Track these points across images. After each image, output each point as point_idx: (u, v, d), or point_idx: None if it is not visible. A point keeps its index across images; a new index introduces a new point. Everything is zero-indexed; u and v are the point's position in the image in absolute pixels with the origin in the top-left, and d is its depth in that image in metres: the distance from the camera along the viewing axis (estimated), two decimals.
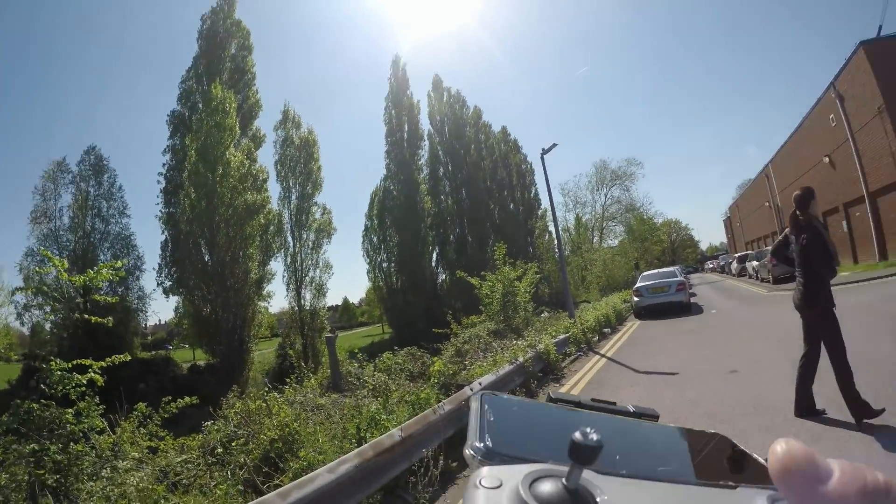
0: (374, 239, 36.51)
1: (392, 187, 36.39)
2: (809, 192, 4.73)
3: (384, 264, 36.23)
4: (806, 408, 4.74)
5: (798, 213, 4.71)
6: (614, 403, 0.99)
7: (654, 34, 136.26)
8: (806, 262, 4.63)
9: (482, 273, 16.61)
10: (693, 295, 20.74)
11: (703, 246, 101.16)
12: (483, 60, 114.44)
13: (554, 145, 17.16)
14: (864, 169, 20.74)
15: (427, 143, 38.29)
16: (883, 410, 4.29)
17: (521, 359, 7.89)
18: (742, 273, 31.17)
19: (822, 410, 4.71)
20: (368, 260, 36.60)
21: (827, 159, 24.08)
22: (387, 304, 36.61)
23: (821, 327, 4.61)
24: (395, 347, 10.39)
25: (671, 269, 20.42)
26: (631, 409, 0.98)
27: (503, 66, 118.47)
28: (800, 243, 4.64)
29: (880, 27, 19.92)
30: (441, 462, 4.38)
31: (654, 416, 0.98)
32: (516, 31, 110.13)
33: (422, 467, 4.27)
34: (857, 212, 22.36)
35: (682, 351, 9.68)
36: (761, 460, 0.80)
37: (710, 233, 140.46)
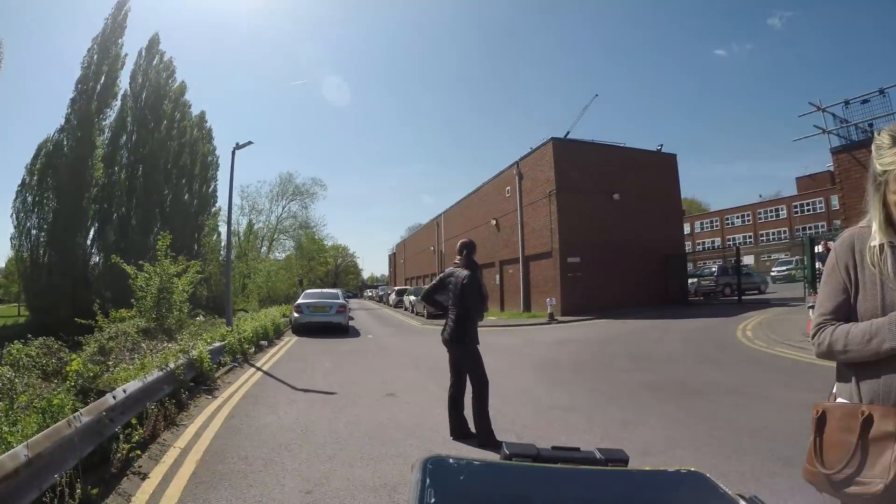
0: (30, 199, 28.94)
1: (66, 143, 29.57)
2: (473, 242, 5.50)
3: (34, 231, 28.89)
4: (460, 432, 5.19)
5: (460, 256, 5.37)
6: (577, 449, 0.93)
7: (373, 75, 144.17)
8: (460, 302, 5.14)
9: (140, 262, 15.00)
10: (351, 319, 21.66)
11: (366, 275, 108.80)
12: (230, 45, 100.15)
13: (249, 143, 16.04)
14: (524, 237, 25.10)
15: (119, 104, 32.37)
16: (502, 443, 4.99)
17: (171, 365, 7.04)
18: (399, 305, 34.09)
19: (474, 432, 5.16)
20: (16, 223, 28.68)
21: (494, 222, 28.49)
22: (28, 280, 29.26)
23: (465, 362, 5.20)
24: (30, 336, 9.36)
25: (334, 290, 21.01)
26: (598, 454, 0.93)
27: (244, 57, 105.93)
28: (459, 282, 5.16)
29: (568, 132, 24.93)
30: (78, 490, 3.54)
31: (622, 461, 0.94)
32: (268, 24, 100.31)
33: (55, 497, 3.37)
34: (511, 269, 26.75)
35: (340, 371, 9.87)
36: (741, 501, 0.89)
37: (374, 264, 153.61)
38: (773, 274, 36.61)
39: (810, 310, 10.33)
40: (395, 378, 8.92)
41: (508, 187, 27.13)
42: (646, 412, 6.14)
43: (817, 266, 13.20)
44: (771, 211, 61.94)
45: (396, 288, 44.12)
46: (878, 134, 1.53)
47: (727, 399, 6.70)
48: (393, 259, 73.77)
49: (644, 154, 25.58)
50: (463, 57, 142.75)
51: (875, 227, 1.53)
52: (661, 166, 25.83)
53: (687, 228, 53.26)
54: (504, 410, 6.10)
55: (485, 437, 4.90)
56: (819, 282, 11.60)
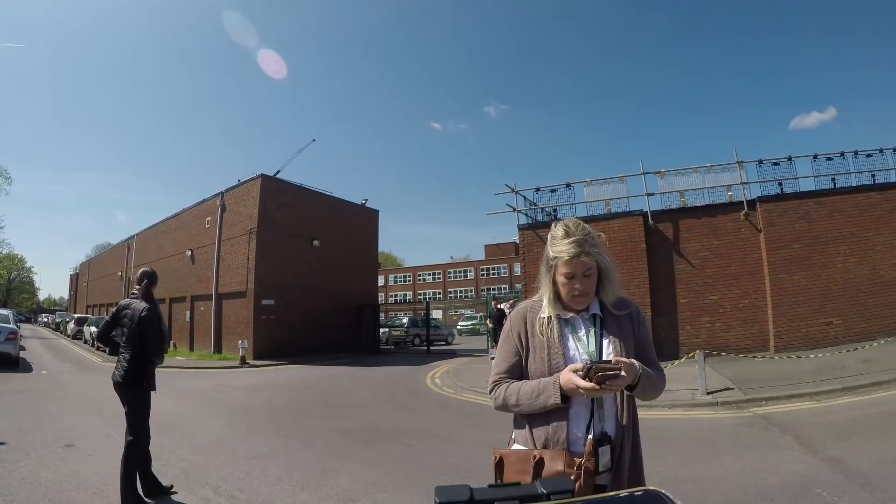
0: None
1: None
2: (154, 273, 4.97)
3: None
4: (151, 489, 4.62)
5: (139, 286, 4.81)
6: (518, 484, 0.89)
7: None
8: (138, 339, 4.55)
9: None
10: (23, 349, 17.96)
11: (43, 295, 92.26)
12: None
13: None
14: (219, 273, 23.45)
15: None
16: (171, 487, 4.78)
17: None
18: (78, 336, 29.75)
19: (169, 487, 4.78)
20: None
21: (190, 253, 26.12)
22: None
23: (134, 406, 4.53)
24: None
25: (5, 312, 16.81)
26: (539, 488, 0.93)
27: None
28: (137, 316, 4.58)
29: (279, 171, 24.37)
30: None
31: (568, 491, 0.93)
32: None
33: None
34: (203, 306, 24.57)
35: (9, 415, 8.48)
36: None
37: (53, 284, 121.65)
38: (459, 327, 41.50)
39: (493, 360, 12.08)
40: (74, 425, 7.81)
41: (209, 218, 25.27)
42: (345, 458, 6.15)
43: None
44: (460, 271, 71.43)
45: (77, 315, 37.09)
46: (555, 226, 1.85)
47: (421, 442, 6.95)
48: (75, 280, 60.62)
49: (348, 205, 26.88)
50: (185, 65, 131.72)
51: (545, 301, 1.84)
52: (364, 219, 27.61)
53: (381, 280, 57.02)
54: (197, 462, 5.75)
55: (147, 485, 4.43)
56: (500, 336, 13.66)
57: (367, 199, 27.95)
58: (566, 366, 1.71)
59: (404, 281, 75.09)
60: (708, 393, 8.82)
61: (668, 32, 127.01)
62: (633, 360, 1.67)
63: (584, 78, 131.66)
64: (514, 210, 15.21)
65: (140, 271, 4.93)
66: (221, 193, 24.77)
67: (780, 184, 13.71)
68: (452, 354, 22.05)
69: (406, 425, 8.21)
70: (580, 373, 1.61)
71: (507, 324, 1.93)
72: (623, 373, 1.58)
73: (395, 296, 70.79)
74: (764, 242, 13.37)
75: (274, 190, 22.82)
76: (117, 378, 4.54)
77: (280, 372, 17.01)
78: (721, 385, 9.39)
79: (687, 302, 13.63)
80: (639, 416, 1.81)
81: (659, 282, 13.78)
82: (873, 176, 13.64)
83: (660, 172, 14.34)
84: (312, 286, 22.73)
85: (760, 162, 13.82)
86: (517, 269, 17.26)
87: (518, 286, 21.25)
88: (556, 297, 1.83)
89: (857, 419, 6.81)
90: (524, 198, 15.43)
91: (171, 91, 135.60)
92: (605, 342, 1.80)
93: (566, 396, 1.67)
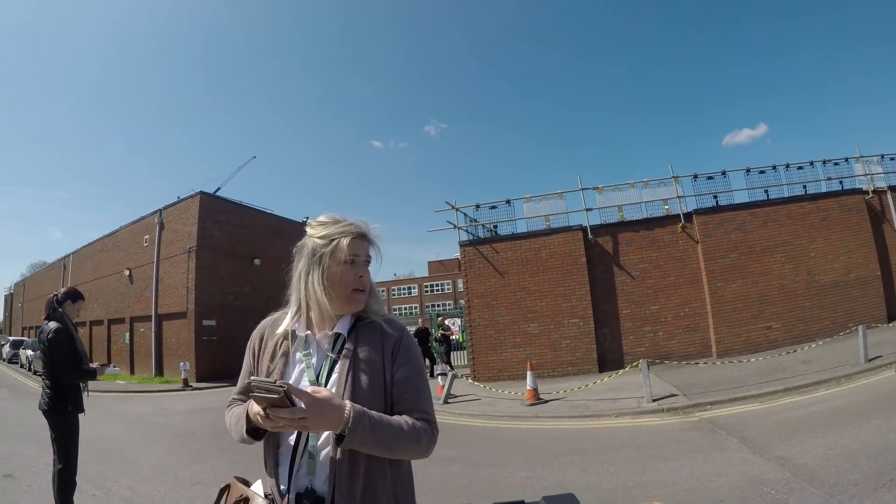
0: None
1: None
2: (76, 292, 4.69)
3: None
4: None
5: (55, 308, 4.49)
6: (522, 502, 0.88)
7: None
8: (50, 363, 4.31)
9: None
10: None
11: None
12: None
13: None
14: (158, 292, 22.53)
15: None
16: None
17: None
18: (14, 360, 28.64)
19: None
20: None
21: (128, 272, 25.05)
22: None
23: (60, 432, 4.32)
24: None
25: None
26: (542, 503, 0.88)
27: None
28: (45, 338, 4.33)
29: (219, 188, 23.77)
30: None
31: None
32: None
33: None
34: (143, 328, 23.54)
35: None
36: None
37: None
38: None
39: (440, 377, 11.75)
40: (11, 454, 7.54)
41: (147, 236, 24.27)
42: None
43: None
44: (404, 288, 71.16)
45: (12, 338, 35.39)
46: (314, 220, 1.56)
47: None
48: (10, 301, 57.26)
49: (289, 223, 26.34)
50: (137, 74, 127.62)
51: (291, 312, 1.52)
52: (304, 237, 26.97)
53: None
54: (141, 490, 5.61)
55: None
56: (443, 352, 13.18)
57: (308, 217, 27.18)
58: None
59: None
60: (653, 400, 8.90)
61: (602, 56, 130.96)
62: (339, 402, 1.26)
63: (521, 100, 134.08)
64: (455, 227, 15.10)
65: (64, 290, 4.68)
66: (160, 211, 23.87)
67: (715, 197, 14.00)
68: None
69: None
70: None
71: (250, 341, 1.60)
72: (303, 404, 1.19)
73: None
74: (701, 253, 13.60)
75: (213, 208, 22.16)
76: (41, 405, 4.33)
77: (224, 394, 16.21)
78: (666, 392, 9.47)
79: (629, 313, 13.72)
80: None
81: (601, 294, 13.83)
82: (804, 187, 14.12)
83: (598, 188, 14.47)
84: (254, 306, 22.01)
85: (695, 176, 14.11)
86: (461, 284, 17.39)
87: (462, 302, 21.13)
88: (307, 308, 1.48)
89: (800, 418, 6.95)
90: (465, 215, 15.34)
91: (108, 104, 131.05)
92: (335, 372, 1.42)
93: (260, 430, 1.36)
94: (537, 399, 10.10)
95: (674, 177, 14.08)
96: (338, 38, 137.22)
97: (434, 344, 17.74)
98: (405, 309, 67.69)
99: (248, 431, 1.37)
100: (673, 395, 9.23)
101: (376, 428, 1.28)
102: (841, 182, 14.25)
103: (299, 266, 1.52)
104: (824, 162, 14.23)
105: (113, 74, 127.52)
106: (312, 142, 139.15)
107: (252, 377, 1.27)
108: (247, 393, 1.44)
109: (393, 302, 69.69)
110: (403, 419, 1.37)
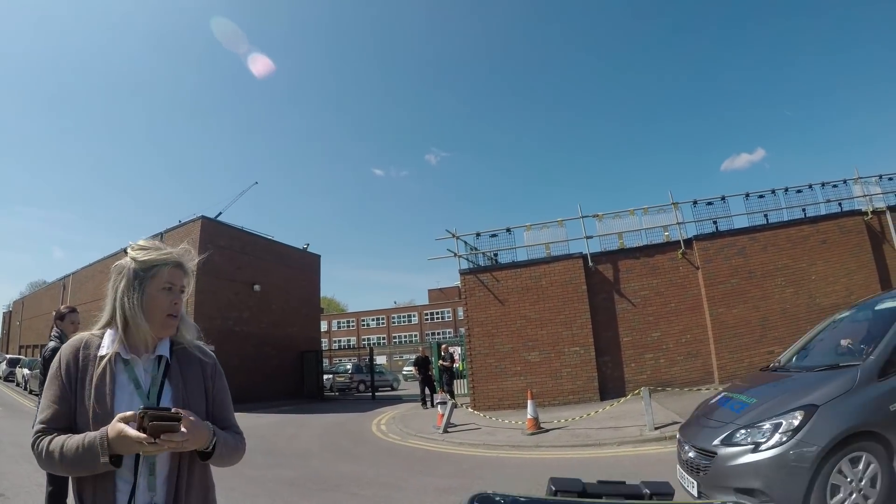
0: None
1: None
2: (69, 307, 5.06)
3: None
4: None
5: (55, 325, 4.91)
6: (623, 482, 0.96)
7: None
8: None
9: None
10: None
11: None
12: None
13: None
14: None
15: None
16: None
17: None
18: (10, 378, 28.57)
19: None
20: None
21: None
22: None
23: None
24: None
25: None
26: (643, 488, 0.95)
27: None
28: (43, 357, 4.62)
29: (220, 213, 23.80)
30: None
31: (668, 494, 0.96)
32: None
33: None
34: None
35: None
36: None
37: None
38: (404, 372, 40.83)
39: (439, 405, 11.59)
40: (4, 474, 7.59)
41: None
42: None
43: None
44: (404, 316, 70.73)
45: (8, 356, 34.91)
46: (134, 244, 1.59)
47: (367, 490, 6.78)
48: (8, 319, 56.81)
49: (290, 250, 26.42)
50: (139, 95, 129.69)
51: (110, 333, 1.53)
52: (305, 264, 27.10)
53: (324, 326, 55.80)
54: None
55: None
56: (444, 380, 12.90)
57: (308, 244, 27.44)
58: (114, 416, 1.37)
59: (348, 326, 73.92)
60: (656, 428, 8.77)
61: (602, 81, 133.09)
62: (204, 422, 1.48)
63: (522, 125, 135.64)
64: (456, 255, 15.07)
65: (63, 308, 4.91)
66: (161, 234, 23.84)
67: (714, 222, 14.00)
68: (398, 400, 21.78)
69: (351, 473, 8.00)
70: (133, 422, 1.32)
71: (55, 361, 1.51)
72: (184, 428, 1.34)
73: (339, 341, 69.39)
74: (702, 279, 13.55)
75: (214, 233, 22.18)
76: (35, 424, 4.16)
77: None
78: (669, 420, 9.30)
79: (630, 340, 13.60)
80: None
81: (601, 322, 13.73)
82: (804, 210, 14.13)
83: (598, 216, 14.50)
84: (253, 331, 21.90)
85: (695, 202, 14.14)
86: (461, 312, 17.46)
87: (462, 330, 20.98)
88: (126, 327, 1.51)
89: None
90: (465, 243, 15.34)
91: (115, 128, 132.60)
92: (165, 391, 1.52)
93: (119, 455, 1.35)
94: (538, 428, 9.93)
95: (673, 203, 14.13)
96: (339, 65, 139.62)
97: (434, 372, 17.52)
98: (405, 337, 67.08)
99: (111, 458, 1.34)
100: (675, 423, 9.00)
101: (226, 443, 1.55)
102: (840, 204, 14.25)
103: (119, 286, 1.54)
104: (823, 184, 14.26)
105: (122, 102, 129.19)
106: (314, 169, 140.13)
107: (144, 407, 1.36)
108: (61, 421, 1.43)
109: (393, 330, 69.13)
110: (230, 433, 1.62)
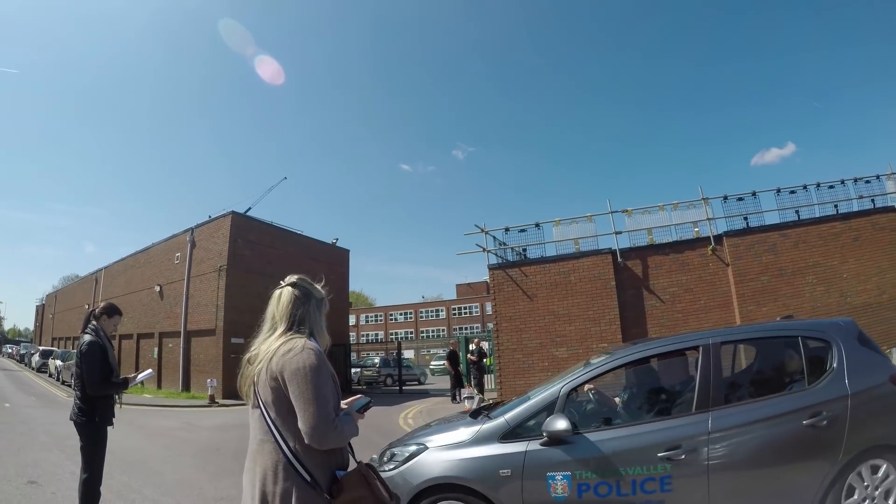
0: None
1: None
2: (114, 307, 4.87)
3: None
4: None
5: (92, 321, 4.71)
6: None
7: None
8: (80, 374, 4.47)
9: None
10: None
11: (7, 325, 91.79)
12: None
13: None
14: (188, 309, 23.02)
15: None
16: None
17: None
18: (43, 369, 29.55)
19: None
20: None
21: (158, 288, 25.56)
22: None
23: (86, 442, 4.45)
24: None
25: None
26: None
27: None
28: (79, 350, 4.53)
29: (250, 208, 24.29)
30: None
31: None
32: None
33: None
34: (171, 343, 23.98)
35: None
36: None
37: (19, 314, 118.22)
38: (431, 367, 41.14)
39: (467, 400, 11.78)
40: (37, 461, 7.67)
41: (179, 253, 24.83)
42: None
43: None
44: (432, 311, 70.97)
45: (42, 348, 36.10)
46: (307, 279, 2.30)
47: None
48: (41, 312, 58.52)
49: (319, 244, 26.80)
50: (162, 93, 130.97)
51: (321, 340, 2.15)
52: (334, 258, 27.39)
53: (353, 320, 56.09)
54: (164, 503, 5.69)
55: None
56: (472, 374, 13.12)
57: (337, 239, 27.81)
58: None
59: (376, 320, 74.32)
60: None
61: (632, 77, 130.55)
62: None
63: (550, 120, 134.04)
64: (484, 250, 15.11)
65: (102, 304, 4.89)
66: (192, 229, 24.39)
67: (745, 218, 13.86)
68: (425, 394, 21.97)
69: None
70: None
71: (326, 365, 2.03)
72: None
73: (367, 335, 69.68)
74: (732, 276, 13.45)
75: (244, 227, 22.57)
76: (72, 416, 4.48)
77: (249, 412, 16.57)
78: None
79: (659, 337, 13.58)
80: None
81: (630, 318, 13.75)
82: (836, 206, 13.86)
83: (627, 211, 14.44)
84: None
85: (725, 198, 14.01)
86: (489, 308, 17.61)
87: (490, 325, 21.14)
88: (310, 336, 2.10)
89: None
90: (494, 238, 15.34)
91: (146, 125, 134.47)
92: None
93: None
94: None
95: (703, 199, 13.99)
96: (369, 59, 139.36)
97: (462, 367, 17.69)
98: (432, 332, 67.33)
99: None
100: None
101: None
102: (873, 200, 13.90)
103: (310, 305, 2.17)
104: (855, 180, 13.94)
105: (154, 102, 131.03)
106: (342, 164, 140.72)
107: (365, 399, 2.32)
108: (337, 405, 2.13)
109: (420, 324, 69.51)
110: None
